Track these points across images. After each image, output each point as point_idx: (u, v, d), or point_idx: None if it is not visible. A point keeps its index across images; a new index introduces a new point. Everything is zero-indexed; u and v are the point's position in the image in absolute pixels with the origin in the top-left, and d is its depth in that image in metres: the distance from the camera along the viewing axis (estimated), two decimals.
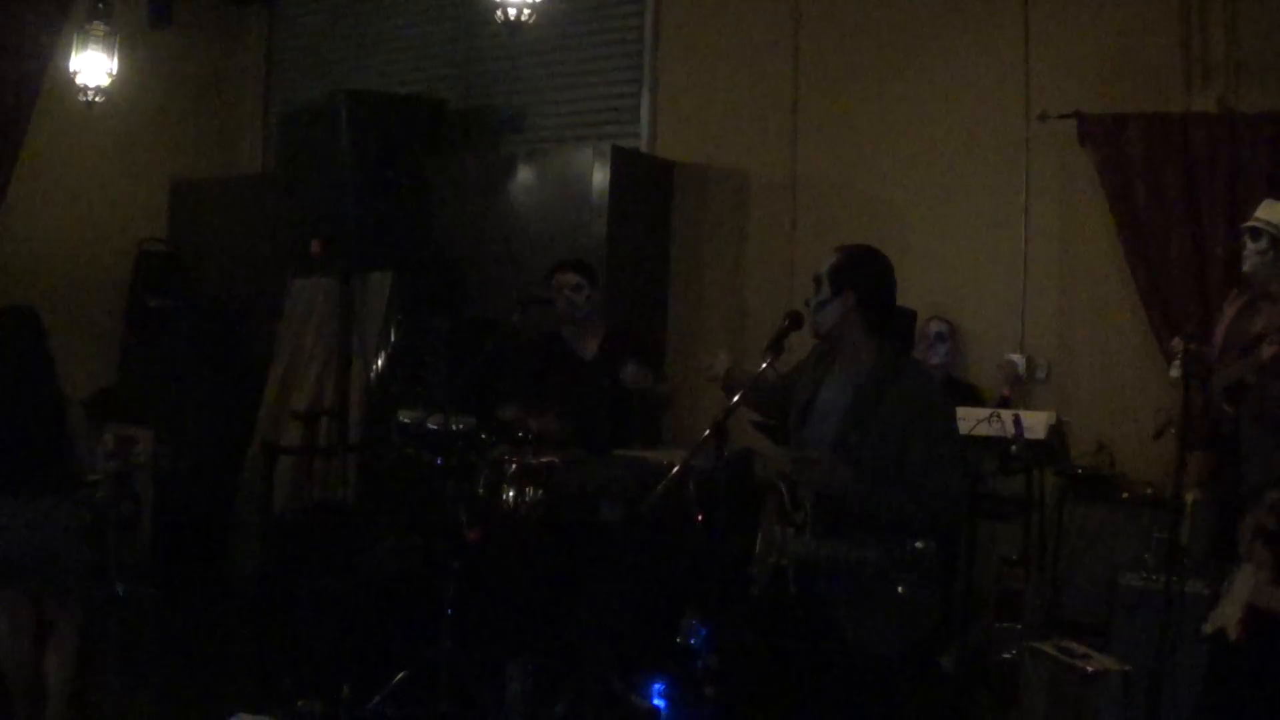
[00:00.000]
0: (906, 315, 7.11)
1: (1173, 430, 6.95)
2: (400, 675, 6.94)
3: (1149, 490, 7.64)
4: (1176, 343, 6.79)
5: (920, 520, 4.86)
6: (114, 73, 9.96)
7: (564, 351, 7.70)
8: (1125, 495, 7.70)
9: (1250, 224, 6.81)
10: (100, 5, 9.86)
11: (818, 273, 5.27)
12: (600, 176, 9.42)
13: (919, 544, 4.65)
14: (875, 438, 5.04)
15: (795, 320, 5.28)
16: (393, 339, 9.81)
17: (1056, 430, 7.32)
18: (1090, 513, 7.73)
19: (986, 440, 7.07)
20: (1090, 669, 6.22)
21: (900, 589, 4.67)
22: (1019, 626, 7.34)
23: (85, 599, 7.35)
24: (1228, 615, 5.56)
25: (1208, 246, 7.81)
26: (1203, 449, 6.74)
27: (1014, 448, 6.97)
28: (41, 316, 7.31)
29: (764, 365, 5.19)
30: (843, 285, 5.19)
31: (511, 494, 6.77)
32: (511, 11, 7.36)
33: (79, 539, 7.21)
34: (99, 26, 9.88)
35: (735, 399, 5.00)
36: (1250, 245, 6.77)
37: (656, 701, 6.53)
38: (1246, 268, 6.81)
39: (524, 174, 9.85)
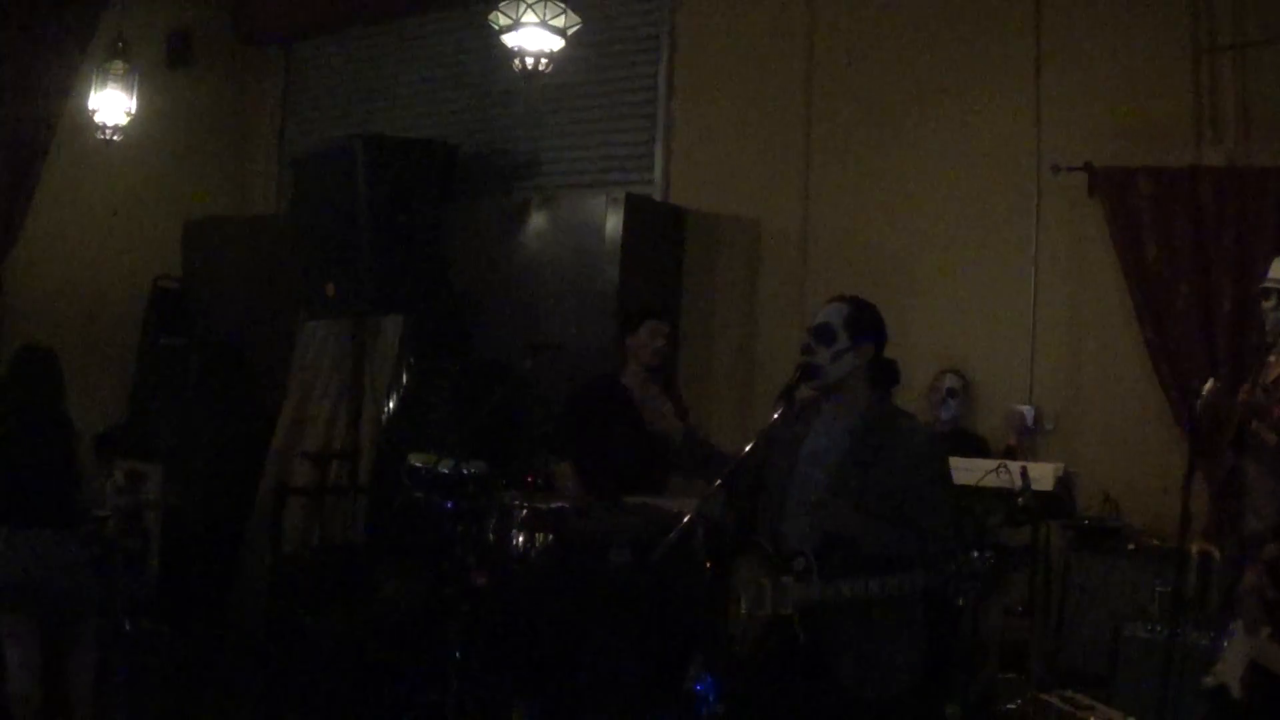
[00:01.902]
0: (890, 364, 7.17)
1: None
2: (408, 717, 6.96)
3: (1155, 542, 7.64)
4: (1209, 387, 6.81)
5: (918, 558, 4.92)
6: (132, 111, 10.03)
7: (624, 397, 7.70)
8: (1131, 547, 7.70)
9: (1263, 285, 6.83)
10: (120, 44, 9.94)
11: (826, 323, 5.28)
12: (613, 223, 9.45)
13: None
14: (875, 482, 5.06)
15: (806, 372, 5.29)
16: (404, 382, 9.84)
17: (1063, 482, 7.34)
18: (1096, 564, 7.72)
19: (994, 491, 7.10)
20: None
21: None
22: (1024, 677, 7.34)
23: (96, 631, 7.41)
24: (1231, 671, 5.58)
25: (1216, 300, 7.83)
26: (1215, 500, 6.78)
27: (1021, 499, 6.98)
28: (58, 358, 7.39)
29: (775, 415, 5.20)
30: (861, 336, 5.22)
31: (521, 539, 6.79)
32: (529, 60, 7.42)
33: (88, 572, 7.26)
34: (118, 65, 9.96)
35: (747, 450, 5.03)
36: (1265, 305, 6.80)
37: None
38: (1267, 327, 6.84)
39: (537, 220, 9.89)
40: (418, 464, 7.34)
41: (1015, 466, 7.16)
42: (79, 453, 7.30)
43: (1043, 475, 7.20)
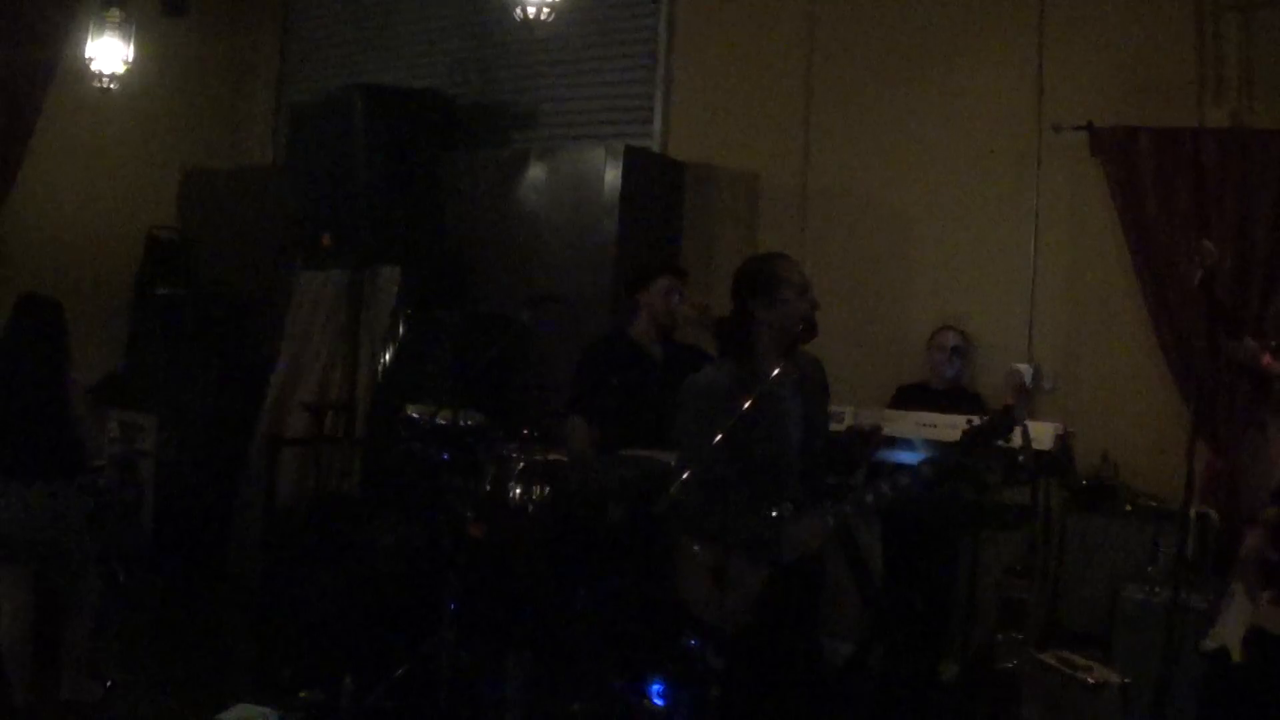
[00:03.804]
0: None
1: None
2: (401, 668, 6.96)
3: (1153, 503, 7.66)
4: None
5: None
6: (129, 60, 9.97)
7: (636, 352, 7.70)
8: (1129, 507, 7.72)
9: None
10: None
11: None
12: (612, 175, 9.40)
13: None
14: (817, 419, 5.60)
15: (811, 330, 5.33)
16: (400, 333, 9.81)
17: (1062, 441, 7.34)
18: (1093, 524, 7.74)
19: (993, 450, 7.09)
20: (1091, 680, 6.27)
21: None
22: (1021, 636, 7.35)
23: (92, 583, 7.41)
24: (1230, 634, 5.58)
25: (1217, 260, 7.82)
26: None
27: (1021, 458, 6.98)
28: (62, 308, 7.37)
29: (774, 372, 5.19)
30: None
31: (518, 491, 6.77)
32: (531, 10, 7.37)
33: (82, 523, 7.24)
34: (115, 13, 9.90)
35: (747, 405, 5.02)
36: None
37: (656, 701, 6.53)
38: None
39: (536, 171, 9.84)
40: (414, 415, 7.33)
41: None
42: (74, 403, 7.27)
43: (1041, 434, 7.20)
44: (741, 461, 5.23)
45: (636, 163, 9.58)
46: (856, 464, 6.14)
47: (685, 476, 5.05)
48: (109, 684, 7.45)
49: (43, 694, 7.13)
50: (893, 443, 7.40)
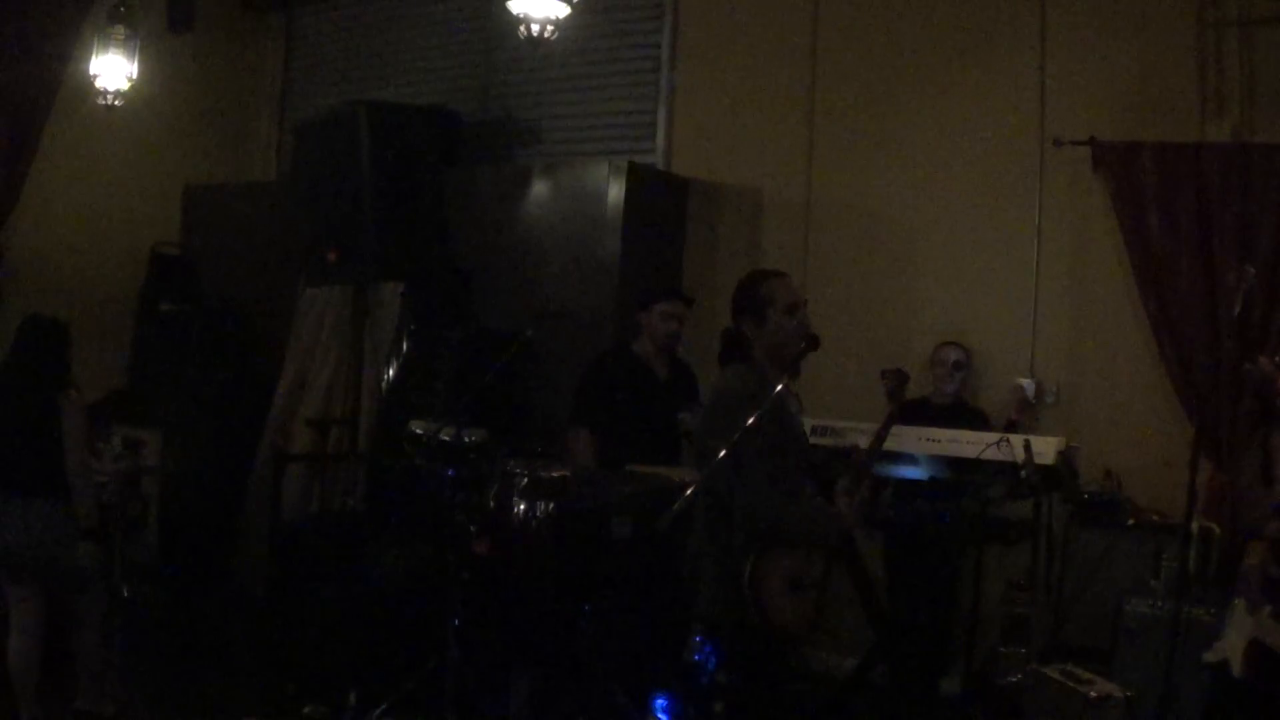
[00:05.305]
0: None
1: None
2: (406, 684, 6.97)
3: (1155, 517, 7.66)
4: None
5: None
6: (134, 76, 9.98)
7: (641, 368, 7.80)
8: (1131, 521, 7.71)
9: None
10: (121, 9, 9.87)
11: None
12: (615, 191, 9.41)
13: None
14: None
15: (814, 343, 5.35)
16: (404, 349, 9.82)
17: (1065, 455, 7.33)
18: (1097, 538, 7.73)
19: (995, 465, 7.10)
20: (1094, 694, 6.26)
21: None
22: (1024, 650, 7.35)
23: (97, 599, 7.40)
24: (1232, 648, 5.59)
25: (1219, 276, 7.82)
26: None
27: (1024, 473, 6.98)
28: (65, 328, 7.38)
29: (778, 387, 5.21)
30: None
31: (522, 507, 6.78)
32: (535, 27, 7.36)
33: (75, 542, 7.21)
34: (120, 30, 9.90)
35: (751, 421, 5.03)
36: None
37: (661, 716, 6.53)
38: None
39: (539, 187, 9.85)
40: (419, 431, 7.34)
41: (1018, 440, 7.16)
42: (72, 420, 7.25)
43: (1044, 449, 7.20)
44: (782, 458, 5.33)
45: (639, 179, 9.59)
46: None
47: (689, 492, 5.07)
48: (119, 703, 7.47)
49: (51, 708, 7.14)
50: (896, 458, 7.42)
